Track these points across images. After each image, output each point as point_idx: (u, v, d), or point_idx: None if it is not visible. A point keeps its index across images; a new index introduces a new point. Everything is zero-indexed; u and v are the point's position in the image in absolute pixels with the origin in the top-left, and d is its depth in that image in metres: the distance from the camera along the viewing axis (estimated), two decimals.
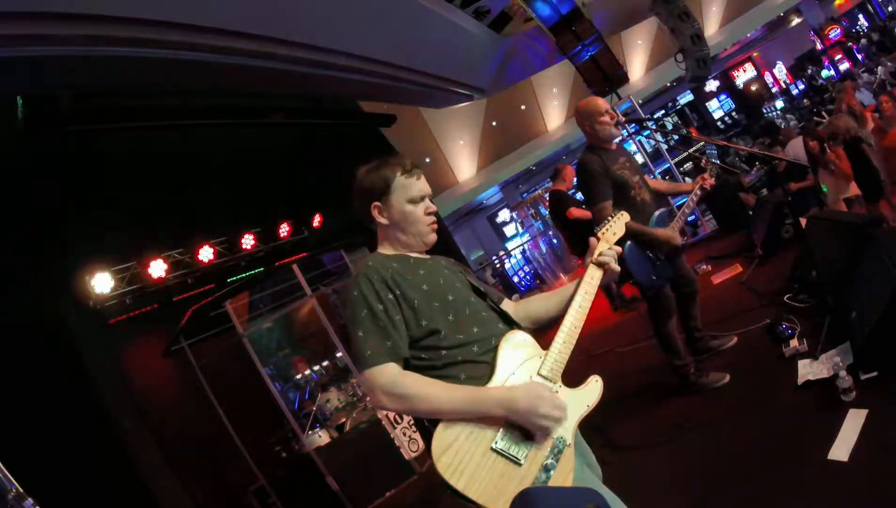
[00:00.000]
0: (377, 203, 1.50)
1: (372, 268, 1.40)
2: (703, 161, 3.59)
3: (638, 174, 3.10)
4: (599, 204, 2.94)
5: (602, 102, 3.10)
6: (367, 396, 5.25)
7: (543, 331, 1.55)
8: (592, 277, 1.51)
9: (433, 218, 1.54)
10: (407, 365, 1.35)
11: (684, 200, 3.26)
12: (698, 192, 3.13)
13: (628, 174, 3.03)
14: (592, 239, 1.58)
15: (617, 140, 3.14)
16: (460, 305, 1.42)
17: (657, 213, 3.02)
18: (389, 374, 1.29)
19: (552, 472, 1.26)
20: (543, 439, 1.29)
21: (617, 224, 1.63)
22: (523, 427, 1.27)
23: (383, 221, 1.51)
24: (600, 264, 1.52)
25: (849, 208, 4.63)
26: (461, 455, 1.23)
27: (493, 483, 1.21)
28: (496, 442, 1.25)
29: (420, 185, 1.52)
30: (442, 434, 1.25)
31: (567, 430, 1.32)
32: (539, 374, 1.35)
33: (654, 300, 3.16)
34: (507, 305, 1.62)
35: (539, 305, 1.62)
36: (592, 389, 1.40)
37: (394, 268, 1.41)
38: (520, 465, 1.24)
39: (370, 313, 1.34)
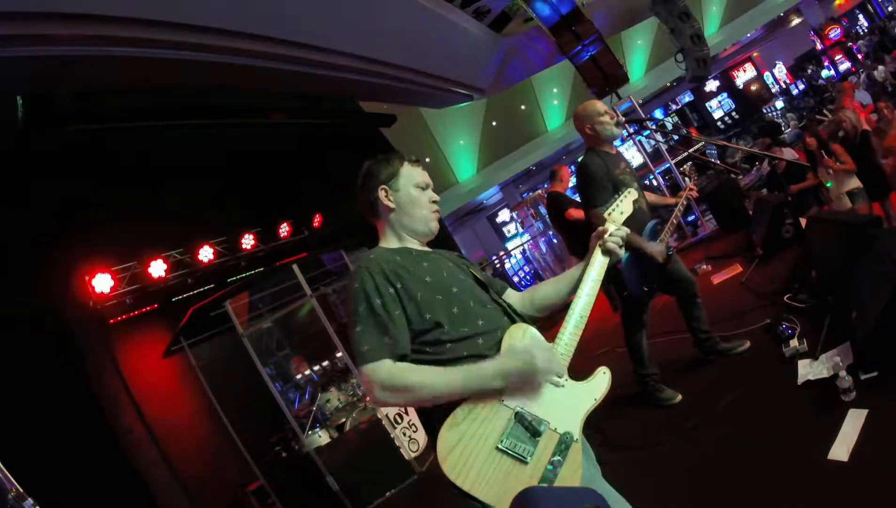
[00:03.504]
0: (385, 186, 1.52)
1: (373, 261, 1.39)
2: (688, 169, 3.60)
3: (636, 182, 3.09)
4: (596, 208, 2.91)
5: (600, 104, 3.12)
6: (366, 395, 5.25)
7: (551, 319, 1.53)
8: (601, 264, 1.48)
9: (436, 207, 1.57)
10: (406, 361, 1.32)
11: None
12: (684, 202, 3.11)
13: (629, 179, 3.03)
14: (598, 230, 1.53)
15: (617, 145, 3.14)
16: (464, 297, 1.40)
17: (651, 224, 3.01)
18: (385, 370, 1.27)
19: (559, 469, 1.23)
20: (550, 431, 1.27)
21: (624, 203, 1.60)
22: (529, 425, 1.25)
23: (390, 204, 1.51)
24: (607, 252, 1.49)
25: (852, 201, 4.63)
26: (466, 455, 1.20)
27: (500, 483, 1.18)
28: (501, 441, 1.23)
29: (424, 175, 1.57)
30: (447, 435, 1.23)
31: (574, 425, 1.30)
32: None
33: (632, 309, 3.16)
34: (512, 295, 1.60)
35: (547, 291, 1.60)
36: (600, 381, 1.38)
37: (396, 261, 1.40)
38: (526, 463, 1.22)
39: (368, 307, 1.32)
